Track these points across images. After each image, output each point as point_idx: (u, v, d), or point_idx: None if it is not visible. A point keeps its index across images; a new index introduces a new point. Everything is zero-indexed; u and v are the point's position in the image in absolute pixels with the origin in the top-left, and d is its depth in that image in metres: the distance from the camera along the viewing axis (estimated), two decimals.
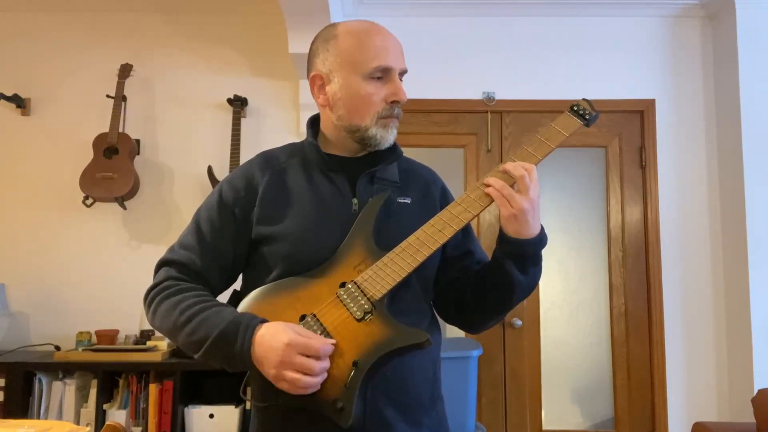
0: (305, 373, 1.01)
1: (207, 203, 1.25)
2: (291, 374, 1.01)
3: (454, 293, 1.26)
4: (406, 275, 1.10)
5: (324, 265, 1.14)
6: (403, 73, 1.23)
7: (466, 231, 1.29)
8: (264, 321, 1.08)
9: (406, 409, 1.14)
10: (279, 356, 1.02)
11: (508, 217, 1.12)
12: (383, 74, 1.19)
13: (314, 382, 1.02)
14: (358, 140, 1.22)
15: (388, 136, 1.21)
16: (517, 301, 1.20)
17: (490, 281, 1.19)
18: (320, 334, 1.08)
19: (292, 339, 1.02)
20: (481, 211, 1.14)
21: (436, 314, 1.30)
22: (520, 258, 1.14)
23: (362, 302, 1.09)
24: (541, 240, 1.15)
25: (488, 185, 1.12)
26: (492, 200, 1.13)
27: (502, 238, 1.15)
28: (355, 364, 1.05)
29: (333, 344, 1.05)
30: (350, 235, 1.16)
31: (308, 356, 1.02)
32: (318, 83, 1.23)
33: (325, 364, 1.03)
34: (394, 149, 1.28)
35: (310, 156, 1.26)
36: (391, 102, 1.19)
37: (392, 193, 1.23)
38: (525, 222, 1.11)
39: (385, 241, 1.15)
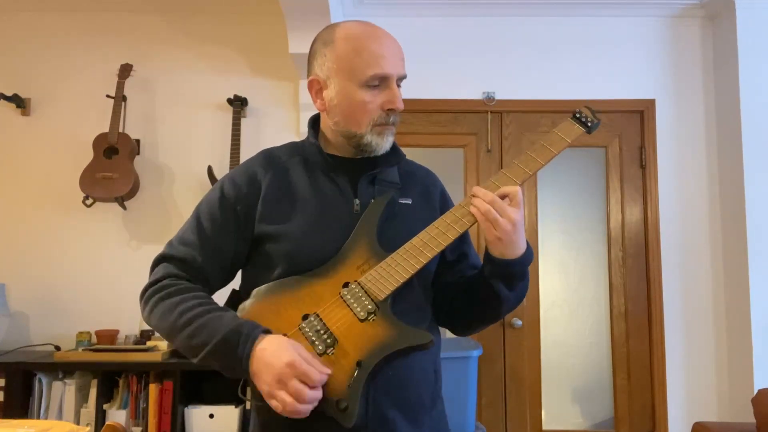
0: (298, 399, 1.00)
1: (208, 199, 1.24)
2: (284, 396, 1.00)
3: (447, 298, 1.26)
4: (410, 276, 1.10)
5: (327, 265, 1.14)
6: (401, 78, 1.20)
7: (462, 234, 1.30)
8: (265, 331, 1.07)
9: (408, 409, 1.14)
10: (276, 375, 1.00)
11: (493, 241, 1.12)
12: (380, 82, 1.17)
13: (306, 409, 1.00)
14: (354, 146, 1.22)
15: (383, 144, 1.21)
16: (505, 313, 1.23)
17: (478, 295, 1.20)
18: (323, 334, 1.08)
19: (294, 360, 1.00)
20: None
21: None
22: (507, 277, 1.15)
23: (366, 302, 1.09)
24: (526, 258, 1.15)
25: (475, 206, 1.11)
26: None
27: (488, 259, 1.16)
28: (359, 364, 1.05)
29: (328, 374, 1.03)
30: (353, 235, 1.16)
31: (304, 383, 1.00)
32: (316, 87, 1.23)
33: (318, 393, 1.01)
34: (396, 152, 1.27)
35: (311, 156, 1.26)
36: (388, 109, 1.18)
37: (394, 195, 1.23)
38: (510, 244, 1.11)
39: (387, 242, 1.15)
